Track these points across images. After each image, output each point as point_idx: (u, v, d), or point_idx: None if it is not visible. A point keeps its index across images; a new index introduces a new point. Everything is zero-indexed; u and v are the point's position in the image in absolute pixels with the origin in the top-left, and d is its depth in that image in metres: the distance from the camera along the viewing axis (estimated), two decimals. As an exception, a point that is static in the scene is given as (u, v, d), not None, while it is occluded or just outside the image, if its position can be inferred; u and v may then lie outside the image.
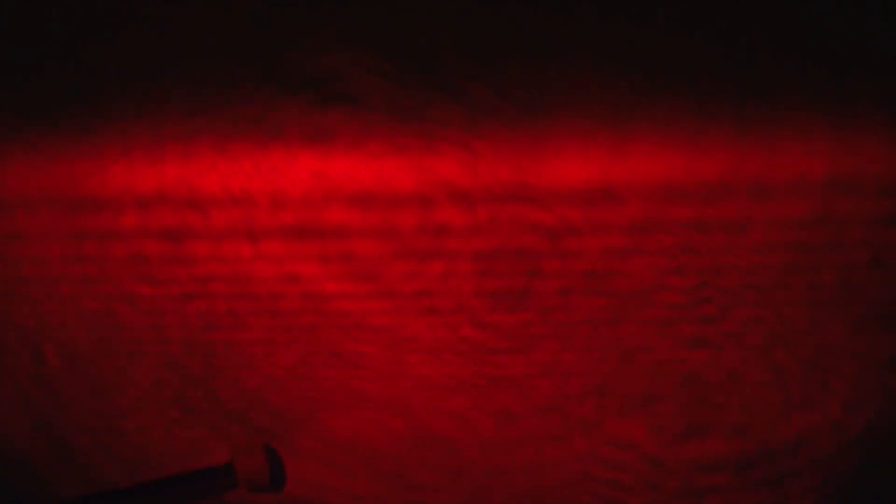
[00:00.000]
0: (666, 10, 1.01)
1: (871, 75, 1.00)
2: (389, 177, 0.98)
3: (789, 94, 1.00)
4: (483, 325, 0.95)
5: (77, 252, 0.97)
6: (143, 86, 1.00)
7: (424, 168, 0.99)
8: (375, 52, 1.01)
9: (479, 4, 1.01)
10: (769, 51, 1.01)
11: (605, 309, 0.96)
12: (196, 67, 1.01)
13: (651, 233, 0.98)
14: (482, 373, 0.93)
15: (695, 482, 0.90)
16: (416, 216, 0.98)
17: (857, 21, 1.01)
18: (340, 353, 0.93)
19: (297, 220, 0.98)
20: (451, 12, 1.01)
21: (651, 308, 0.96)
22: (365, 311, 0.95)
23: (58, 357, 0.93)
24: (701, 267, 0.97)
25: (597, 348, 0.94)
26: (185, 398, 0.91)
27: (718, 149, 0.99)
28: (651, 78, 1.00)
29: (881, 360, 0.94)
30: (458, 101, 1.00)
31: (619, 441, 0.91)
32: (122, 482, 0.89)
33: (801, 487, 0.90)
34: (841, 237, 0.98)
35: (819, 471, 0.90)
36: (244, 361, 0.93)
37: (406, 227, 0.98)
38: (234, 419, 0.91)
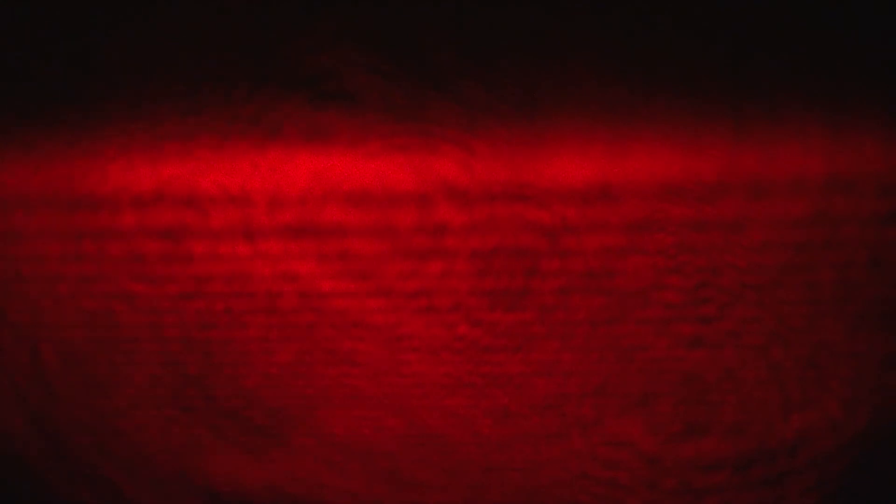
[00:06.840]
0: (663, 9, 1.01)
1: (869, 74, 1.00)
2: (387, 175, 0.98)
3: (787, 93, 1.00)
4: (480, 323, 0.95)
5: (75, 251, 0.97)
6: (140, 85, 1.00)
7: (422, 167, 0.99)
8: (374, 50, 1.01)
9: (477, 3, 1.01)
10: (767, 50, 1.01)
11: (603, 308, 0.96)
12: (194, 66, 1.01)
13: (649, 232, 0.98)
14: (479, 371, 0.93)
15: (693, 481, 0.90)
16: (413, 215, 0.98)
17: (854, 20, 1.01)
18: (337, 351, 0.93)
19: (294, 218, 0.98)
20: (449, 11, 1.01)
21: (649, 307, 0.96)
22: (362, 309, 0.95)
23: (55, 355, 0.93)
24: (699, 266, 0.97)
25: (595, 347, 0.94)
26: (182, 396, 0.91)
27: (716, 148, 0.99)
28: (649, 77, 1.00)
29: (880, 359, 0.94)
30: (457, 100, 1.00)
31: (616, 440, 0.91)
32: (119, 481, 0.89)
33: (799, 487, 0.89)
34: (839, 236, 0.97)
35: (818, 470, 0.90)
36: (241, 360, 0.93)
37: (403, 225, 0.97)
38: (231, 417, 0.91)
